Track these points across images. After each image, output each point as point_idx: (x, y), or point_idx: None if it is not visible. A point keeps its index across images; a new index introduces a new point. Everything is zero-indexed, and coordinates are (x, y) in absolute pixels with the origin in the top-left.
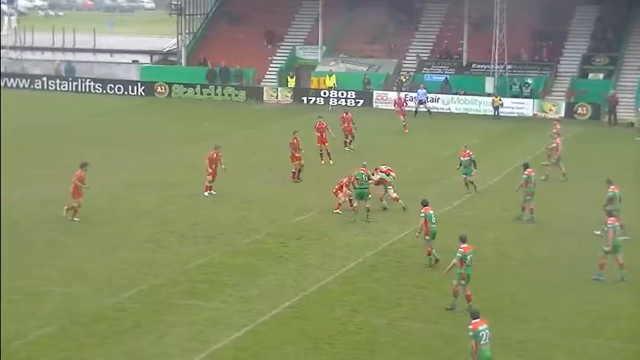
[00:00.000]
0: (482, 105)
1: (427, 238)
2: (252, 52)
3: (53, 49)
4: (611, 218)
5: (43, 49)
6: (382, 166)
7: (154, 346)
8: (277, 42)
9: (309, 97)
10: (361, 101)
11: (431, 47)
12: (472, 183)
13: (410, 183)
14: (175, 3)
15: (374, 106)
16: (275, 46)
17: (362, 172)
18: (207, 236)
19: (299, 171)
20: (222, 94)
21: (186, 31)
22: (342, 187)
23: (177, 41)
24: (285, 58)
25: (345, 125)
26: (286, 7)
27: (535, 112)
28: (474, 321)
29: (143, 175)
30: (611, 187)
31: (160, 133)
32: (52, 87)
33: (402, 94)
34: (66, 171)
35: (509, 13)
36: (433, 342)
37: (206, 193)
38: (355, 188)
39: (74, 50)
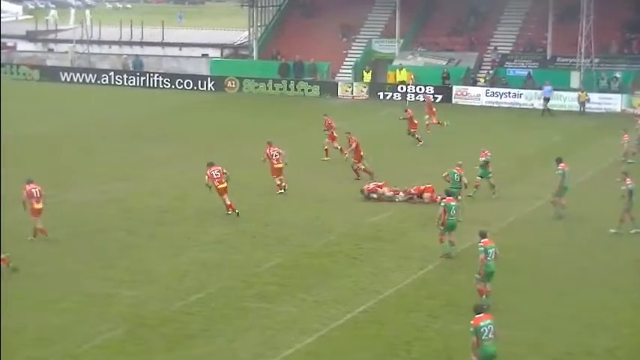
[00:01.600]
0: (567, 100)
1: (441, 228)
2: (327, 46)
3: (121, 43)
4: None
5: (110, 43)
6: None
7: (223, 350)
8: (353, 35)
9: (386, 93)
10: (440, 96)
11: (513, 40)
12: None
13: (486, 183)
14: None
15: (453, 101)
16: (350, 39)
17: (455, 171)
18: (278, 237)
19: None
20: (295, 89)
21: (258, 24)
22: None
23: (249, 34)
24: (360, 51)
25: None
26: None
27: (624, 108)
28: (476, 316)
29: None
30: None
31: (231, 130)
32: (119, 82)
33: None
34: (136, 170)
35: (597, 3)
36: (516, 350)
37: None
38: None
39: (142, 44)
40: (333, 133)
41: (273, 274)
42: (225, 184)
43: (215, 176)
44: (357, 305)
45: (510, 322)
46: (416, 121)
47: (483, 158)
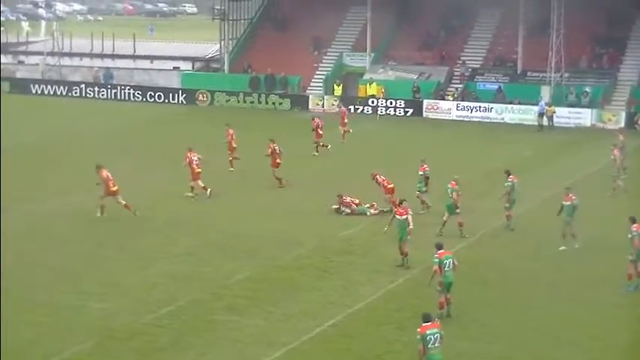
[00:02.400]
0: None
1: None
2: (298, 59)
3: (92, 55)
4: (635, 224)
5: (81, 55)
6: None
7: None
8: (324, 48)
9: (357, 106)
10: (410, 110)
11: (484, 54)
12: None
13: (466, 197)
14: (218, 8)
15: (424, 115)
16: (321, 52)
17: (449, 186)
18: (248, 250)
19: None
20: (266, 103)
21: (230, 37)
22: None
23: (220, 47)
24: (331, 65)
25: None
26: (333, 12)
27: (594, 123)
28: (423, 324)
29: (182, 186)
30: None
31: (201, 143)
32: (90, 94)
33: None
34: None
35: (567, 18)
36: None
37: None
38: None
39: (113, 56)
40: (232, 143)
41: (242, 286)
42: (200, 170)
43: (195, 161)
44: (327, 319)
45: (479, 336)
46: (320, 132)
47: (422, 172)
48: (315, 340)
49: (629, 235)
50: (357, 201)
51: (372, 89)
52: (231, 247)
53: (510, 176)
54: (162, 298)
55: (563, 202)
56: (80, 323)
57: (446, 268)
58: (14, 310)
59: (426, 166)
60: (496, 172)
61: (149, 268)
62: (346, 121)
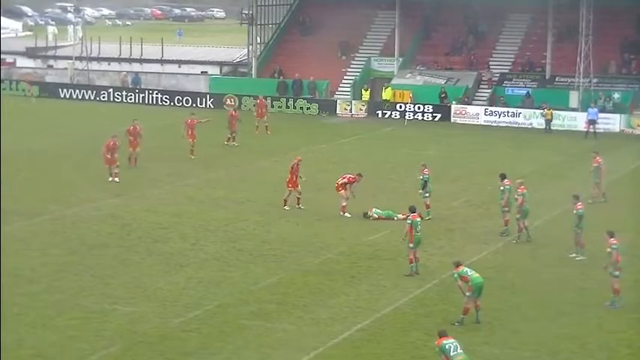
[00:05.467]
0: (566, 120)
1: (411, 245)
2: (326, 64)
3: (120, 60)
4: (613, 239)
5: (109, 60)
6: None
7: None
8: (352, 53)
9: (385, 111)
10: (438, 115)
11: (512, 59)
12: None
13: (488, 201)
14: (246, 12)
15: (452, 120)
16: (349, 57)
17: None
18: (276, 255)
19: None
20: (294, 107)
21: (258, 42)
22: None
23: (248, 52)
24: (359, 70)
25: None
26: (361, 16)
27: (622, 128)
28: (439, 338)
29: (211, 191)
30: (578, 204)
31: (228, 147)
32: (118, 99)
33: (263, 99)
34: (133, 186)
35: (596, 23)
36: None
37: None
38: None
39: (141, 61)
40: (136, 139)
41: (270, 291)
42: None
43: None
44: (355, 324)
45: (507, 342)
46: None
47: (421, 177)
48: (342, 345)
49: (608, 250)
50: (383, 215)
51: (387, 94)
52: (259, 252)
53: (505, 180)
54: (190, 302)
55: (574, 211)
56: (108, 327)
57: (469, 273)
58: (43, 315)
59: (426, 170)
60: (523, 178)
61: (177, 273)
62: (264, 111)
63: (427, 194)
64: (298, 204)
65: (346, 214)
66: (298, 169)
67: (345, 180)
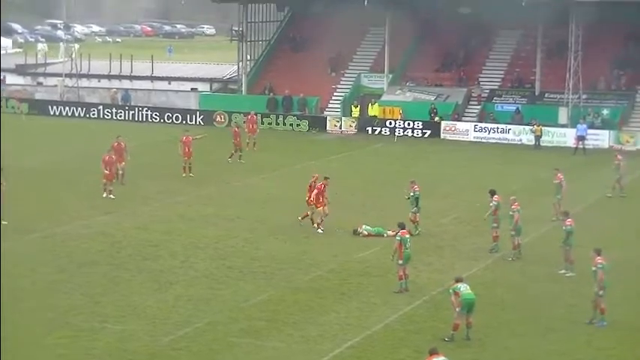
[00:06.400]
0: (555, 136)
1: (400, 262)
2: (316, 80)
3: (110, 77)
4: (600, 257)
5: (99, 77)
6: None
7: None
8: (342, 69)
9: (374, 128)
10: (428, 132)
11: (502, 76)
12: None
13: (478, 218)
14: (236, 29)
15: (442, 137)
16: (339, 73)
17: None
18: (266, 272)
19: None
20: (284, 124)
21: (248, 58)
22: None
23: (238, 68)
24: (349, 86)
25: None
26: (351, 33)
27: (611, 144)
28: (430, 356)
29: (201, 208)
30: (567, 220)
31: (219, 164)
32: (108, 116)
33: (254, 115)
34: (123, 204)
35: (586, 40)
36: None
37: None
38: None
39: (131, 78)
40: (121, 155)
41: (260, 309)
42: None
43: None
44: (345, 341)
45: (497, 358)
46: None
47: (412, 193)
48: None
49: (593, 269)
50: (373, 232)
51: (374, 110)
52: (248, 270)
53: (495, 196)
54: (180, 320)
55: (563, 227)
56: (98, 346)
57: (462, 290)
58: (32, 334)
59: (416, 186)
60: (514, 194)
61: (167, 291)
62: (255, 127)
63: (417, 211)
64: (313, 223)
65: (319, 230)
66: (317, 186)
67: (316, 191)
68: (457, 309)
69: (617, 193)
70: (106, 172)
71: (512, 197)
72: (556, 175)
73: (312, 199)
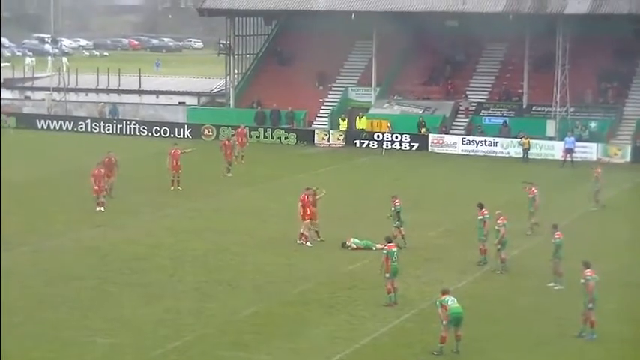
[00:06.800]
0: (543, 149)
1: (387, 275)
2: (303, 93)
3: (97, 91)
4: (589, 269)
5: (87, 91)
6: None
7: None
8: (329, 83)
9: (362, 141)
10: (416, 145)
11: (489, 89)
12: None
13: (466, 231)
14: (224, 43)
15: (429, 150)
16: (327, 87)
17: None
18: (255, 285)
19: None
20: (272, 137)
21: (235, 72)
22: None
23: (226, 82)
24: (337, 99)
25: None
26: (338, 46)
27: (599, 157)
28: None
29: (189, 221)
30: (557, 233)
31: (207, 178)
32: (96, 129)
33: (243, 128)
34: (110, 216)
35: (572, 53)
36: None
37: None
38: None
39: (119, 91)
40: (112, 170)
41: (249, 322)
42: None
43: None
44: (334, 354)
45: None
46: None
47: (393, 208)
48: None
49: (582, 281)
50: (362, 245)
51: (362, 123)
52: (237, 283)
53: (483, 210)
54: (169, 333)
55: (552, 240)
56: (87, 359)
57: (450, 303)
58: (21, 347)
59: (397, 201)
60: (501, 208)
61: (155, 304)
62: (245, 140)
63: (400, 225)
64: (318, 236)
65: (308, 244)
66: (309, 200)
67: (300, 203)
68: (444, 322)
69: (599, 205)
70: (95, 187)
71: (498, 212)
72: (530, 190)
73: (304, 213)
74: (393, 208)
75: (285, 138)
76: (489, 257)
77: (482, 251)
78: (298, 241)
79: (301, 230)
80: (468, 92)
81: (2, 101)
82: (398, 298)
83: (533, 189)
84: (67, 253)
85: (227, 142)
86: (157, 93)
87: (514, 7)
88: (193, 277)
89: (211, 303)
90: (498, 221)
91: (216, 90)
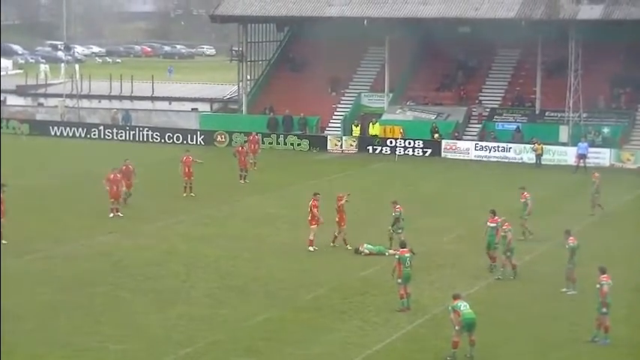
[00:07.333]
0: (556, 155)
1: (399, 281)
2: (316, 100)
3: (110, 97)
4: (604, 275)
5: (100, 97)
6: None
7: None
8: (342, 89)
9: (375, 147)
10: (429, 151)
11: (502, 94)
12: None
13: (479, 237)
14: (236, 49)
15: (442, 155)
16: (339, 93)
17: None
18: (267, 291)
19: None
20: (285, 143)
21: (248, 78)
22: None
23: (238, 88)
24: (349, 105)
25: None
26: (351, 52)
27: (612, 162)
28: None
29: (202, 227)
30: (570, 238)
31: (220, 184)
32: (109, 136)
33: (256, 135)
34: (123, 222)
35: (585, 58)
36: None
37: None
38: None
39: (132, 98)
40: (129, 179)
41: (261, 328)
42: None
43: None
44: None
45: None
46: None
47: (394, 213)
48: None
49: (597, 286)
50: (375, 251)
51: (375, 129)
52: (250, 289)
53: (495, 217)
54: (181, 339)
55: (566, 245)
56: None
57: (462, 308)
58: (33, 354)
59: (398, 206)
60: (513, 213)
61: (168, 310)
62: (257, 147)
63: (400, 230)
64: (346, 244)
65: (311, 248)
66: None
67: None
68: (457, 327)
69: (599, 210)
70: (109, 189)
71: (502, 218)
72: (522, 194)
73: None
74: (393, 214)
75: (298, 144)
76: (498, 265)
77: (493, 259)
78: (310, 248)
79: (310, 237)
80: (480, 98)
81: (15, 108)
82: (411, 303)
83: (525, 193)
84: (80, 260)
85: (241, 148)
86: (170, 99)
87: (526, 13)
88: (206, 283)
89: (224, 309)
90: (503, 227)
91: (228, 96)
